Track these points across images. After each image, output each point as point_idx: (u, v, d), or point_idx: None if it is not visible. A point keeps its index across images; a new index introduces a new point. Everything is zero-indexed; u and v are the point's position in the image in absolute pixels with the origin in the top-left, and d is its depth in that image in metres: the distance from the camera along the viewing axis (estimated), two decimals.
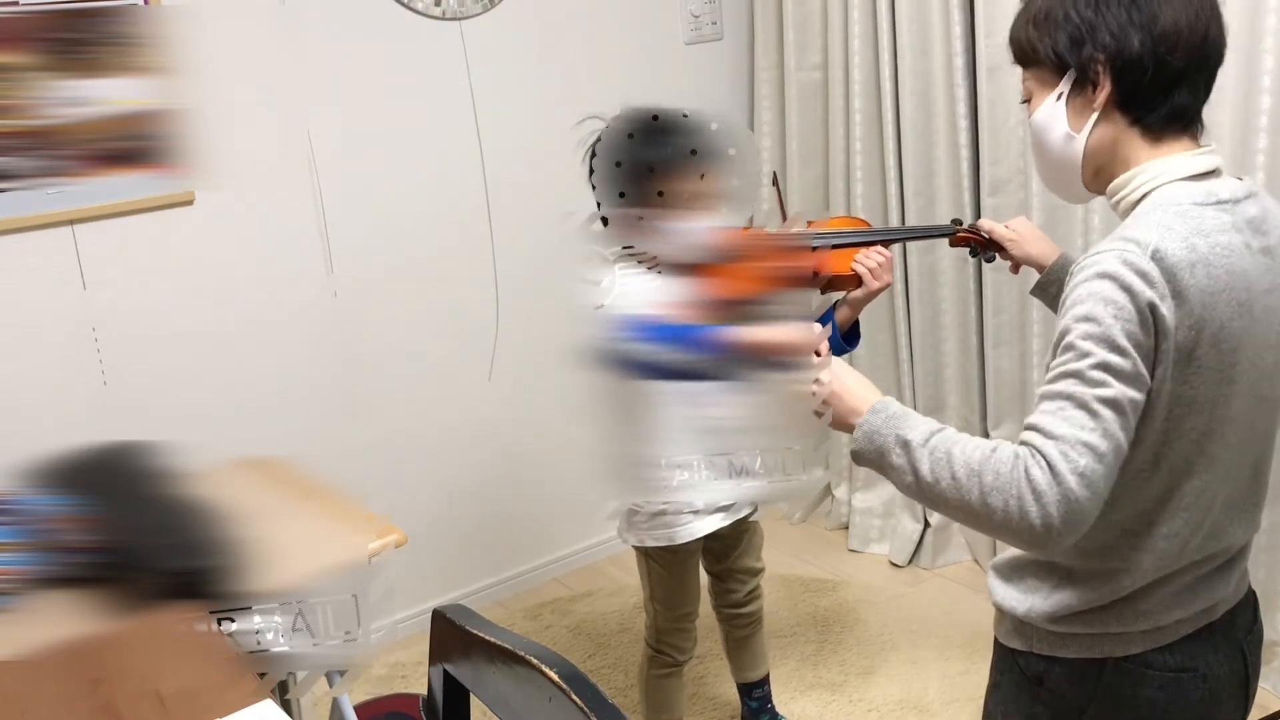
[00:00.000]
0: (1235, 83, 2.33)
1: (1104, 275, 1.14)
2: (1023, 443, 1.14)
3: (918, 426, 1.22)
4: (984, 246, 1.92)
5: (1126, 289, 1.13)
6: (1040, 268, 1.77)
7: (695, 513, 2.10)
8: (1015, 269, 1.88)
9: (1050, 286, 1.72)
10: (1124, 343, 1.12)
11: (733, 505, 2.15)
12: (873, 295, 1.94)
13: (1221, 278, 1.16)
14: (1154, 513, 1.24)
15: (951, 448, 1.17)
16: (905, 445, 1.20)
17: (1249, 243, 1.21)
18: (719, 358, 1.60)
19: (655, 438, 1.98)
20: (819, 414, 1.33)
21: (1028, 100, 1.33)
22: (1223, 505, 1.28)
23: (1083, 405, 1.11)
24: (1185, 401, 1.18)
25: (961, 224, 2.01)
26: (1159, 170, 1.23)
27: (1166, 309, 1.13)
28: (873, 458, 1.24)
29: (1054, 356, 1.17)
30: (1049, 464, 1.09)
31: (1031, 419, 1.14)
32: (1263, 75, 2.28)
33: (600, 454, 2.05)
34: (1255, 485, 1.32)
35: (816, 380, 1.33)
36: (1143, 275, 1.13)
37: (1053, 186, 1.37)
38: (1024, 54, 1.31)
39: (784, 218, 2.13)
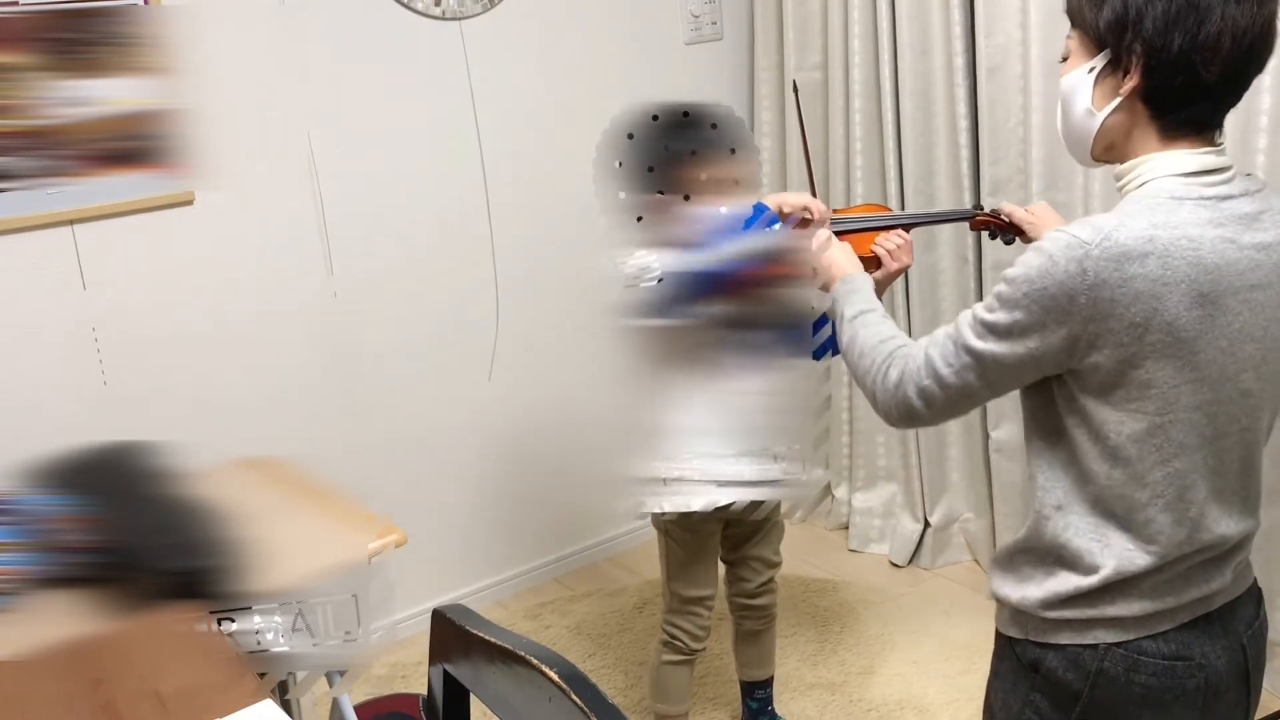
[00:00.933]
0: None
1: (1042, 251, 1.22)
2: (919, 343, 1.38)
3: (857, 304, 1.53)
4: (1004, 230, 1.94)
5: (1050, 273, 1.20)
6: None
7: (716, 484, 2.12)
8: None
9: None
10: (1019, 315, 1.24)
11: (755, 485, 2.16)
12: (893, 276, 1.98)
13: (1180, 269, 1.19)
14: (1128, 495, 1.27)
15: (860, 330, 1.48)
16: (841, 317, 1.53)
17: (1234, 238, 1.22)
18: (750, 243, 1.83)
19: (680, 408, 2.05)
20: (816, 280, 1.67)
21: (1065, 59, 1.35)
22: (1210, 497, 1.29)
23: (956, 342, 1.32)
24: (1140, 384, 1.22)
25: (982, 208, 2.03)
26: (1158, 163, 1.27)
27: (1093, 298, 1.19)
28: (833, 321, 1.57)
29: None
30: (903, 372, 1.37)
31: (940, 328, 1.36)
32: (1263, 75, 2.27)
33: (621, 424, 2.10)
34: (1245, 479, 1.33)
35: (809, 249, 1.68)
36: (1078, 262, 1.19)
37: (1067, 146, 1.40)
38: (1073, 13, 1.33)
39: (803, 135, 2.25)
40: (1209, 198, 1.24)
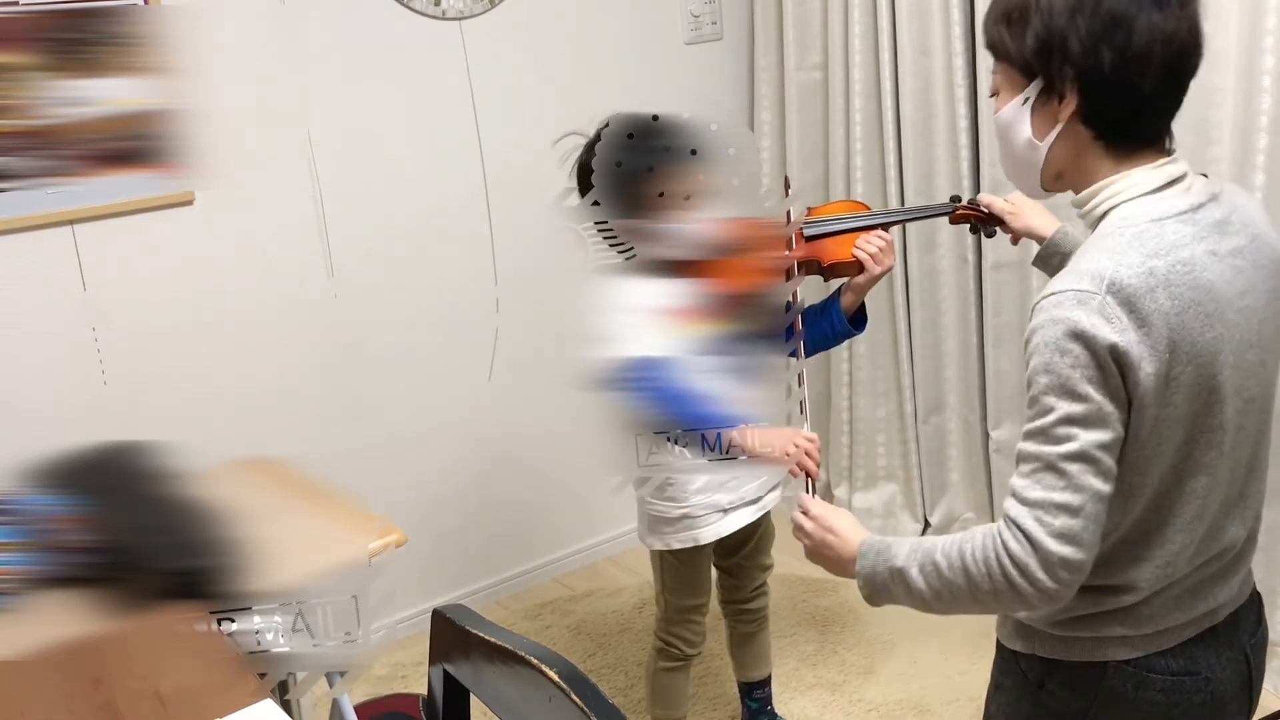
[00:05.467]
0: (1235, 83, 2.32)
1: (1058, 321, 1.14)
2: (1005, 513, 1.18)
3: (901, 552, 1.27)
4: (984, 221, 1.92)
5: (1080, 335, 1.13)
6: (1040, 239, 1.77)
7: (722, 511, 2.11)
8: (1015, 241, 1.89)
9: (1052, 258, 1.73)
10: (1084, 389, 1.13)
11: (758, 501, 2.15)
12: (875, 280, 1.94)
13: (1185, 295, 1.15)
14: (1150, 525, 1.24)
15: (934, 556, 1.23)
16: (900, 575, 1.26)
17: (1214, 249, 1.19)
18: (715, 448, 1.65)
19: (669, 450, 1.99)
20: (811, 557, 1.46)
21: (995, 94, 1.30)
22: (1220, 506, 1.28)
23: (1050, 466, 1.15)
24: (1168, 421, 1.18)
25: (960, 200, 2.00)
26: (1122, 186, 1.23)
27: (1129, 341, 1.13)
28: (881, 595, 1.31)
29: (1027, 402, 1.20)
30: (1024, 533, 1.15)
31: (1011, 482, 1.19)
32: (1263, 75, 2.27)
33: (613, 460, 2.05)
34: (1251, 480, 1.32)
35: (801, 529, 1.45)
36: (1100, 313, 1.13)
37: (1014, 181, 1.36)
38: (994, 48, 1.28)
39: (788, 220, 2.06)
40: (1184, 211, 1.20)
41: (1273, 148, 2.30)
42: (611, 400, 1.77)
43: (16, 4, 2.29)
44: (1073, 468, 1.14)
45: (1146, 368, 1.14)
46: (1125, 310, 1.13)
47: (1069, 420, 1.14)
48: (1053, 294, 1.16)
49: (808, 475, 1.63)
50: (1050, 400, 1.15)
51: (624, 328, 1.81)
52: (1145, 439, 1.17)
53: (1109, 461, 1.16)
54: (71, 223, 2.46)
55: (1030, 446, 1.17)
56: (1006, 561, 1.16)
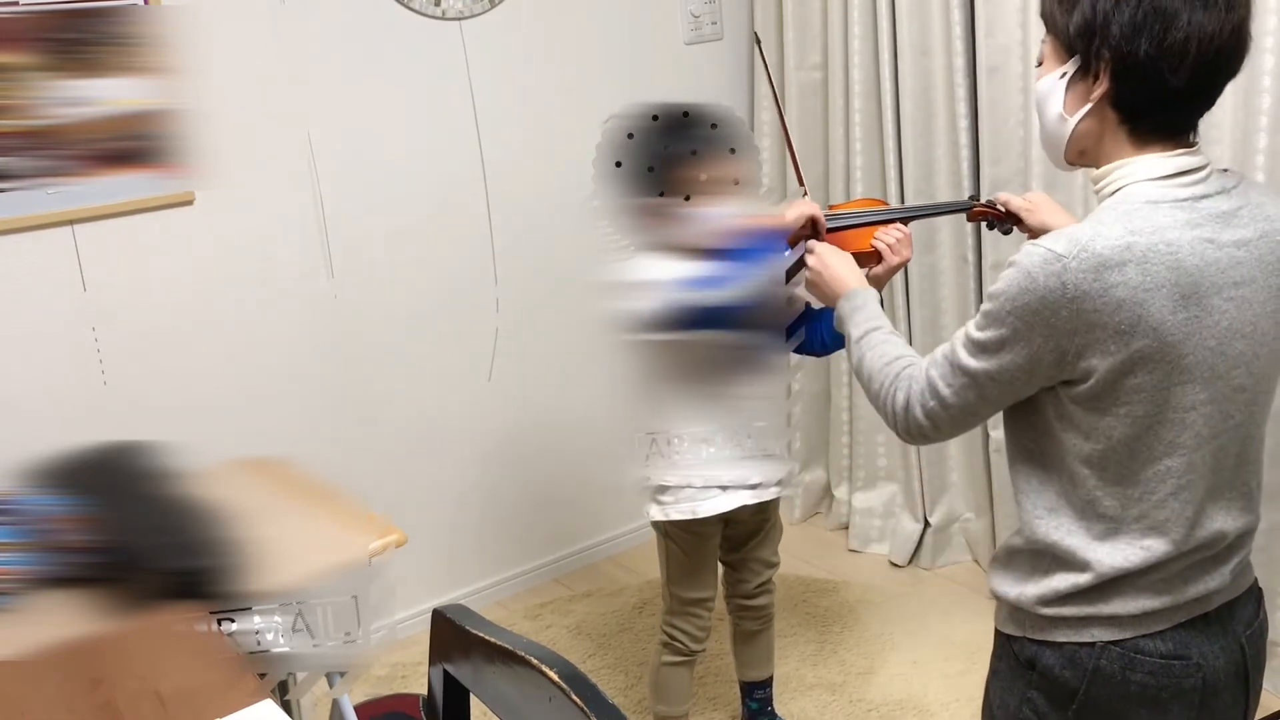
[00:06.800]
0: (1235, 83, 2.30)
1: (1020, 267, 1.23)
2: (917, 366, 1.41)
3: (861, 324, 1.53)
4: (1001, 219, 1.94)
5: (1030, 289, 1.21)
6: None
7: (721, 488, 2.12)
8: (1032, 238, 1.90)
9: None
10: (1005, 331, 1.25)
11: (760, 485, 2.16)
12: (893, 271, 1.98)
13: (1159, 274, 1.19)
14: (1121, 494, 1.28)
15: (867, 352, 1.48)
16: (848, 337, 1.54)
17: (1212, 237, 1.23)
18: (746, 260, 1.84)
19: (680, 415, 2.05)
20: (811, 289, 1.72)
21: (1040, 64, 1.36)
22: (1207, 494, 1.29)
23: (952, 362, 1.33)
24: (1131, 389, 1.23)
25: (978, 199, 2.03)
26: (1133, 169, 1.27)
27: (1079, 308, 1.19)
28: (841, 333, 1.59)
29: None
30: (909, 394, 1.39)
31: (939, 347, 1.38)
32: (1263, 75, 2.27)
33: (623, 428, 2.11)
34: (1243, 473, 1.34)
35: (806, 264, 1.71)
36: (1059, 277, 1.19)
37: (1044, 149, 1.42)
38: (1046, 17, 1.34)
39: (779, 107, 2.13)
40: (1185, 199, 1.24)
41: (1273, 148, 2.30)
42: (656, 322, 1.89)
43: (16, 4, 2.29)
44: (962, 379, 1.32)
45: (1099, 333, 1.20)
46: (1090, 276, 1.19)
47: (983, 346, 1.28)
48: (1035, 245, 1.23)
49: (815, 228, 1.89)
50: (983, 320, 1.28)
51: (655, 272, 1.91)
52: (1101, 392, 1.24)
53: (994, 393, 1.31)
54: (71, 223, 2.46)
55: (957, 336, 1.34)
56: (889, 400, 1.41)
